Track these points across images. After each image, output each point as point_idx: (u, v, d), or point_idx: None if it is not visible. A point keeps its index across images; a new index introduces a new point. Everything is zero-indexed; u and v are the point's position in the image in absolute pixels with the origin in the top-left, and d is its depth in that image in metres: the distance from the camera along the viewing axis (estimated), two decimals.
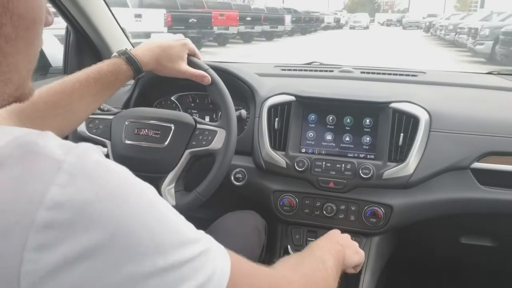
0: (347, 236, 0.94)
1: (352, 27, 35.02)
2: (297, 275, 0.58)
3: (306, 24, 22.80)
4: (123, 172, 0.40)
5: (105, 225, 0.34)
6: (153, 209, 0.39)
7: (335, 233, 0.94)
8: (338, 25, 33.40)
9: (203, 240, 0.43)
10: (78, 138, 1.05)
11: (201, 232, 0.44)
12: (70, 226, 0.33)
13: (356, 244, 0.93)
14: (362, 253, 0.93)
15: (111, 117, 1.06)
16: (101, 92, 0.87)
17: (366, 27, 34.98)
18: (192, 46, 1.01)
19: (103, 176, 0.37)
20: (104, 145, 1.05)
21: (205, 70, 0.99)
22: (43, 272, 0.32)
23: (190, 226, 0.43)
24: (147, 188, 0.41)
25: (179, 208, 0.95)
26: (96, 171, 0.37)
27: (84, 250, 0.33)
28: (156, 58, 0.94)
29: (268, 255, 1.08)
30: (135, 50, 0.93)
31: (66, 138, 1.02)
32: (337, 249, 0.81)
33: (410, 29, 33.92)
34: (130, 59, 0.90)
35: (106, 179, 0.37)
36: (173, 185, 0.98)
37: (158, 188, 0.98)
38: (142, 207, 0.38)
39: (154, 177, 0.98)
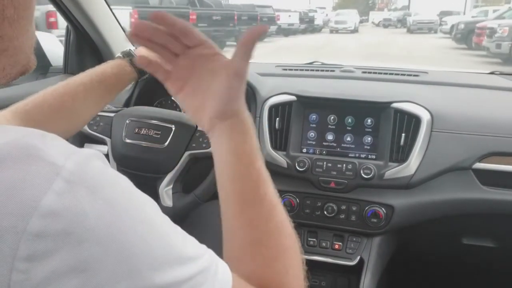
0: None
1: (333, 30, 23.07)
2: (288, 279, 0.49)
3: (216, 28, 11.08)
4: (124, 183, 0.38)
5: (100, 239, 0.33)
6: (153, 224, 0.37)
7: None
8: (310, 27, 21.61)
9: (203, 258, 0.40)
10: (78, 134, 1.05)
11: (203, 247, 0.42)
12: (64, 237, 0.32)
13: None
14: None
15: (112, 114, 1.05)
16: (105, 94, 0.87)
17: (355, 30, 23.25)
18: None
19: (103, 186, 0.35)
20: (104, 143, 1.05)
21: None
22: (34, 283, 0.31)
23: (191, 242, 0.41)
24: (148, 202, 0.39)
25: (176, 210, 0.95)
26: (95, 180, 0.35)
27: (78, 263, 0.32)
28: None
29: None
30: (139, 50, 0.92)
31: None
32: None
33: (419, 33, 21.31)
34: (134, 61, 0.89)
35: (105, 189, 0.35)
36: (171, 186, 0.98)
37: (156, 189, 0.97)
38: (141, 222, 0.36)
39: (152, 177, 0.98)
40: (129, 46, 1.39)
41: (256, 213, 0.51)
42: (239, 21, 12.46)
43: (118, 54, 0.92)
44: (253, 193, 0.52)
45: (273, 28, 15.82)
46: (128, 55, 0.90)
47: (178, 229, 0.41)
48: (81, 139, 1.08)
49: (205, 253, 0.41)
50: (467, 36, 12.73)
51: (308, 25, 21.12)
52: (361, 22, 30.44)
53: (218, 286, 0.39)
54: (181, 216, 0.94)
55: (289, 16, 18.94)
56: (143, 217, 0.37)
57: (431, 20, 22.54)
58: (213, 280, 0.39)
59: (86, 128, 1.05)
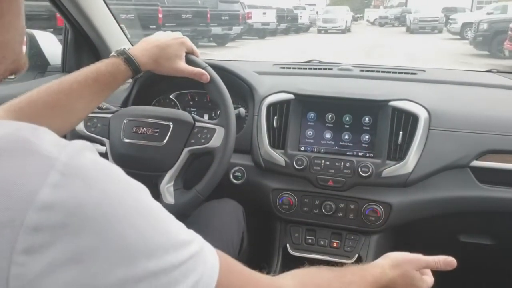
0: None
1: (322, 29, 20.08)
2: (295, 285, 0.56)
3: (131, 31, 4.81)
4: (118, 173, 0.38)
5: (97, 229, 0.33)
6: (147, 212, 0.38)
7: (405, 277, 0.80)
8: (294, 26, 18.88)
9: (194, 242, 0.42)
10: (76, 137, 1.05)
11: (192, 232, 0.44)
12: (61, 229, 0.32)
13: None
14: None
15: (109, 115, 1.05)
16: (99, 92, 0.87)
17: (346, 30, 20.26)
18: (190, 44, 1.00)
19: (97, 177, 0.35)
20: (103, 144, 1.05)
21: (203, 68, 0.98)
22: (32, 275, 0.31)
23: (181, 228, 0.42)
24: (141, 190, 0.40)
25: (178, 206, 0.95)
26: (89, 172, 0.35)
27: (75, 254, 0.32)
28: (154, 58, 0.93)
29: (248, 242, 1.08)
30: (134, 49, 0.93)
31: (64, 137, 1.01)
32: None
33: (421, 33, 18.05)
34: (128, 59, 0.89)
35: (99, 180, 0.35)
36: (172, 183, 0.98)
37: (157, 187, 0.97)
38: (135, 210, 0.37)
39: (153, 176, 0.98)
40: (126, 45, 1.39)
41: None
42: (179, 19, 9.55)
43: (113, 53, 0.91)
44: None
45: (236, 29, 12.66)
46: (122, 53, 0.90)
47: (170, 214, 0.42)
48: None
49: (195, 238, 0.43)
50: (492, 40, 9.79)
51: (290, 24, 18.38)
52: (355, 20, 27.93)
53: (208, 271, 0.41)
54: (183, 214, 0.94)
55: (264, 14, 15.44)
56: (138, 205, 0.38)
57: (435, 18, 19.21)
58: (204, 265, 0.41)
59: (83, 130, 1.05)
